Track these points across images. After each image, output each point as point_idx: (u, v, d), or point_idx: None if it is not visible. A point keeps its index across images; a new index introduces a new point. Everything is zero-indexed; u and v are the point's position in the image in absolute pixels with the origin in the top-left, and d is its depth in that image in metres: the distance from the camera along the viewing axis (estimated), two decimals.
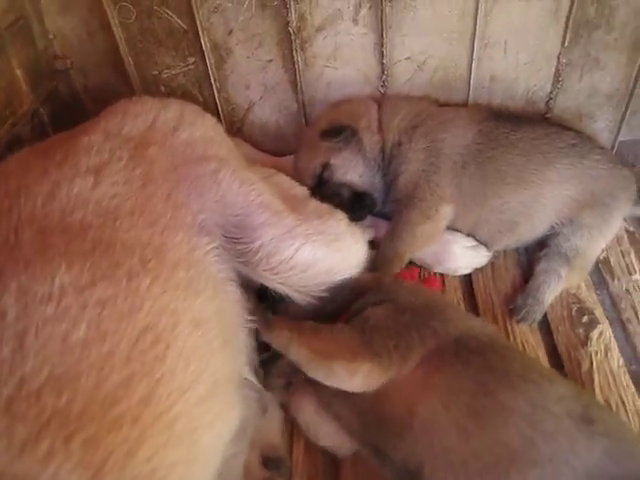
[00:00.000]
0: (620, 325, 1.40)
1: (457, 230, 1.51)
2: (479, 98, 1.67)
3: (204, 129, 1.21)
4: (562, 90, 1.65)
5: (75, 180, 0.97)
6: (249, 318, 1.14)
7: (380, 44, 1.57)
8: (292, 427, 1.23)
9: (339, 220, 1.25)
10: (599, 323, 1.37)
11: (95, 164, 1.02)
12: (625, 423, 1.08)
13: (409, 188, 1.47)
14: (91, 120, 1.17)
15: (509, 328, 1.39)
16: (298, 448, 1.20)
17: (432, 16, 1.52)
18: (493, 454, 0.91)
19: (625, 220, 1.57)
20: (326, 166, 1.51)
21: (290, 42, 1.57)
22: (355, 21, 1.54)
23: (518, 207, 1.43)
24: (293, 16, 1.51)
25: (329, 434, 1.17)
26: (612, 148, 1.73)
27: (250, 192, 1.12)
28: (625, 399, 1.22)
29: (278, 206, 1.14)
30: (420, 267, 1.54)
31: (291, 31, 1.54)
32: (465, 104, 1.67)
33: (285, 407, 1.23)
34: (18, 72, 1.45)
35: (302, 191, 1.34)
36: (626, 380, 1.26)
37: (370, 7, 1.51)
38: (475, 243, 1.51)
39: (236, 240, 1.10)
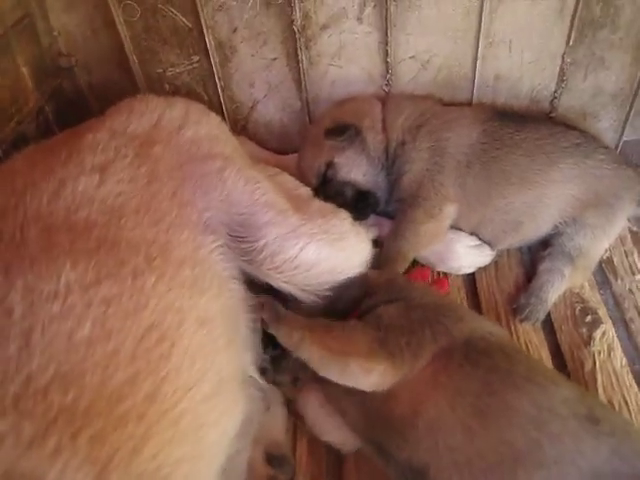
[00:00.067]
0: (623, 325, 1.40)
1: (460, 229, 1.52)
2: (483, 97, 1.67)
3: (209, 127, 1.21)
4: (566, 89, 1.65)
5: (80, 178, 0.98)
6: (255, 315, 1.15)
7: (384, 43, 1.57)
8: (295, 425, 1.24)
9: (343, 219, 1.25)
10: (602, 323, 1.38)
11: (100, 162, 1.02)
12: (630, 422, 1.08)
13: (413, 187, 1.47)
14: (96, 118, 1.17)
15: (512, 327, 1.39)
16: (301, 446, 1.21)
17: (437, 15, 1.52)
18: (498, 454, 0.91)
19: (629, 220, 1.57)
20: (330, 165, 1.51)
21: (294, 40, 1.57)
22: (360, 20, 1.54)
23: (522, 207, 1.44)
24: (298, 14, 1.51)
25: (334, 429, 1.17)
26: (616, 148, 1.73)
27: (255, 191, 1.12)
28: (628, 398, 1.22)
29: (283, 205, 1.15)
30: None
31: (296, 29, 1.54)
32: (469, 103, 1.67)
33: (291, 402, 1.24)
34: (23, 70, 1.45)
35: (306, 191, 1.34)
36: (629, 380, 1.26)
37: (375, 6, 1.51)
38: (478, 242, 1.51)
39: (241, 239, 1.11)
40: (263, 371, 1.18)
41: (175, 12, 1.52)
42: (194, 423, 0.83)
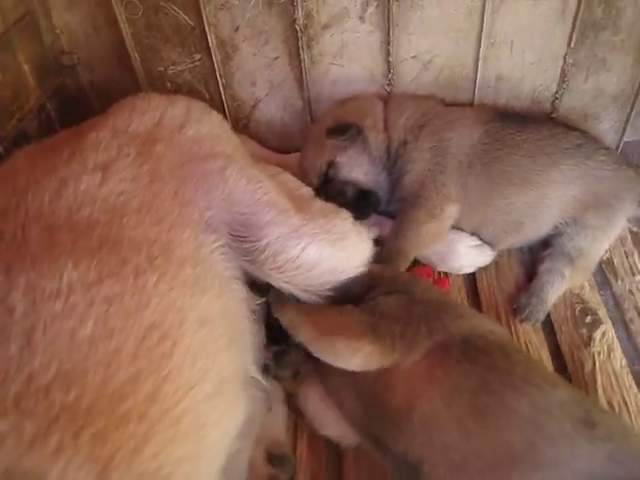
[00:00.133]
0: (623, 326, 1.40)
1: (462, 229, 1.52)
2: (485, 97, 1.67)
3: (211, 126, 1.20)
4: (568, 90, 1.65)
5: (83, 177, 0.98)
6: (258, 303, 1.17)
7: (386, 42, 1.57)
8: (296, 424, 1.24)
9: (344, 219, 1.25)
10: (602, 323, 1.38)
11: (103, 161, 1.02)
12: (628, 426, 1.08)
13: (415, 187, 1.47)
14: (98, 116, 1.17)
15: (512, 327, 1.40)
16: (302, 444, 1.21)
17: (439, 15, 1.52)
18: (495, 455, 0.92)
19: (629, 221, 1.57)
20: (332, 164, 1.51)
21: (296, 39, 1.56)
22: (362, 19, 1.54)
23: (523, 208, 1.44)
24: (300, 14, 1.51)
25: (333, 423, 1.18)
26: (617, 149, 1.74)
27: (257, 190, 1.12)
28: (628, 400, 1.23)
29: (285, 205, 1.14)
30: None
31: (298, 28, 1.54)
32: (471, 103, 1.67)
33: (292, 397, 1.25)
34: (25, 67, 1.45)
35: (307, 191, 1.34)
36: (629, 380, 1.26)
37: (377, 5, 1.51)
38: (479, 242, 1.51)
39: (242, 238, 1.10)
40: (266, 367, 1.20)
41: (177, 10, 1.52)
42: (195, 422, 0.83)
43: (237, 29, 1.56)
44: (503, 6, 1.50)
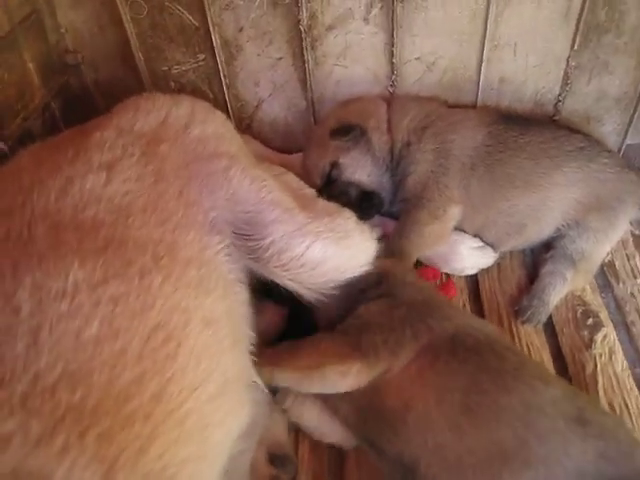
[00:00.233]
0: (624, 328, 1.40)
1: (464, 231, 1.52)
2: (488, 100, 1.67)
3: (215, 126, 1.20)
4: (570, 93, 1.65)
5: (88, 176, 0.97)
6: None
7: (390, 44, 1.57)
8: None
9: (347, 218, 1.25)
10: (604, 326, 1.39)
11: (108, 160, 1.01)
12: (621, 423, 1.08)
13: (418, 188, 1.48)
14: (103, 116, 1.17)
15: (514, 329, 1.40)
16: (304, 446, 1.21)
17: (443, 17, 1.52)
18: (487, 452, 0.92)
19: (631, 224, 1.58)
20: (335, 165, 1.51)
21: (300, 40, 1.57)
22: (366, 20, 1.54)
23: (526, 210, 1.44)
24: (304, 14, 1.52)
25: (332, 431, 1.18)
26: (619, 151, 1.74)
27: (261, 189, 1.12)
28: (629, 402, 1.23)
29: (289, 203, 1.14)
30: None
31: (302, 29, 1.54)
32: (474, 105, 1.68)
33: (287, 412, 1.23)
34: (30, 66, 1.45)
35: (310, 191, 1.34)
36: (630, 383, 1.27)
37: (381, 7, 1.51)
38: (482, 244, 1.52)
39: (247, 237, 1.10)
40: None
41: (182, 10, 1.52)
42: (199, 423, 0.83)
43: (241, 29, 1.56)
44: (507, 9, 1.50)
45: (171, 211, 1.00)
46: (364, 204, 1.50)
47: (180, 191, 1.04)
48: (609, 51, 1.57)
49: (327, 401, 1.15)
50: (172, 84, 1.68)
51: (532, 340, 1.37)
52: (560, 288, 1.42)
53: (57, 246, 0.86)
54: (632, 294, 1.47)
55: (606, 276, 1.53)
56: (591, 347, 1.34)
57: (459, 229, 1.51)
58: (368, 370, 1.04)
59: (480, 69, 1.61)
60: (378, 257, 1.26)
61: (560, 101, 1.67)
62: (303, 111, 1.73)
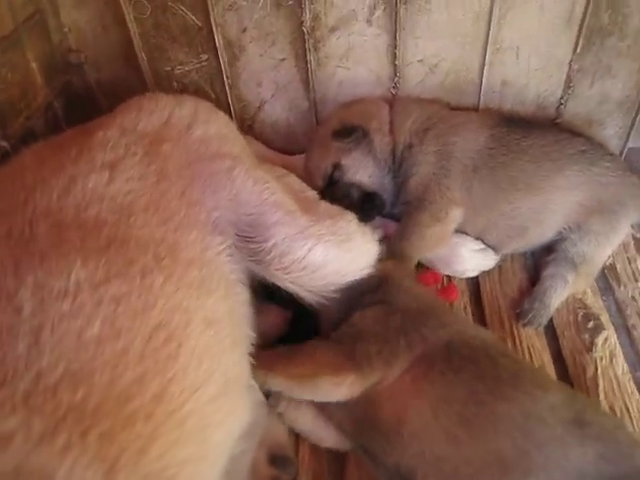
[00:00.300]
0: (625, 331, 1.40)
1: (466, 233, 1.52)
2: (490, 102, 1.67)
3: (218, 126, 1.20)
4: (573, 96, 1.65)
5: (91, 175, 0.97)
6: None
7: (393, 46, 1.57)
8: None
9: (349, 221, 1.25)
10: (604, 329, 1.38)
11: (110, 159, 1.02)
12: (621, 424, 1.08)
13: (419, 190, 1.48)
14: (106, 115, 1.17)
15: (515, 332, 1.40)
16: (304, 447, 1.21)
17: (446, 19, 1.52)
18: (485, 463, 0.92)
19: (632, 227, 1.58)
20: (337, 166, 1.51)
21: (303, 41, 1.57)
22: (369, 22, 1.54)
23: (528, 213, 1.44)
24: (307, 16, 1.52)
25: (328, 435, 1.17)
26: (621, 155, 1.74)
27: (264, 191, 1.12)
28: (630, 405, 1.23)
29: (291, 206, 1.14)
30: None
31: (305, 31, 1.54)
32: (475, 108, 1.67)
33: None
34: (33, 65, 1.46)
35: (313, 194, 1.34)
36: (631, 387, 1.27)
37: (385, 9, 1.51)
38: (483, 246, 1.51)
39: (249, 239, 1.10)
40: None
41: (185, 10, 1.52)
42: (199, 424, 0.83)
43: (244, 30, 1.56)
44: (510, 12, 1.50)
45: (173, 211, 1.00)
46: (366, 205, 1.50)
47: (182, 191, 1.04)
48: (612, 54, 1.57)
49: (322, 408, 1.15)
50: (175, 84, 1.68)
51: (533, 343, 1.37)
52: (561, 291, 1.42)
53: (59, 245, 0.86)
54: (633, 297, 1.47)
55: (607, 279, 1.53)
56: (592, 350, 1.34)
57: (461, 231, 1.51)
58: (362, 381, 1.04)
59: (482, 72, 1.61)
60: (379, 259, 1.27)
61: (562, 104, 1.67)
62: (305, 112, 1.73)
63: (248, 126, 1.76)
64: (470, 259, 1.50)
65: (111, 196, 0.96)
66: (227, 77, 1.65)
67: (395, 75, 1.63)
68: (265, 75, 1.66)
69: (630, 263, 1.55)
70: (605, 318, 1.41)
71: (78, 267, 0.83)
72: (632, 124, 1.70)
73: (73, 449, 0.67)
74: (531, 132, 1.48)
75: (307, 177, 1.48)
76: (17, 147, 1.19)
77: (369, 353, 1.05)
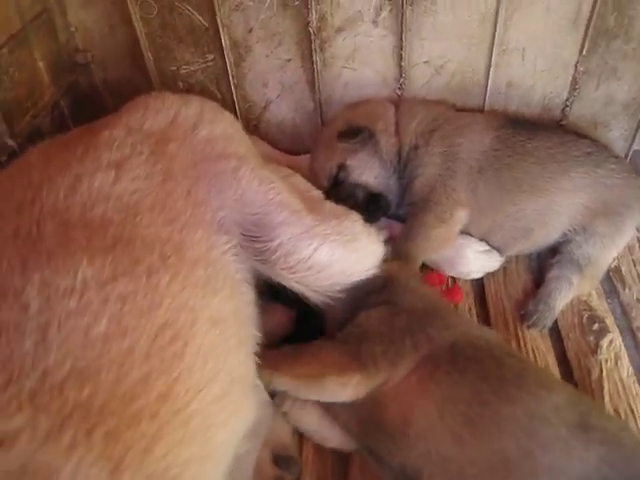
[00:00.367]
0: (630, 334, 1.40)
1: (471, 235, 1.52)
2: (495, 104, 1.67)
3: (223, 126, 1.20)
4: (578, 98, 1.65)
5: (97, 174, 0.97)
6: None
7: (399, 47, 1.58)
8: None
9: (355, 221, 1.25)
10: (609, 331, 1.38)
11: (116, 159, 1.02)
12: (626, 427, 1.08)
13: (425, 191, 1.48)
14: (112, 114, 1.17)
15: (520, 334, 1.39)
16: (308, 447, 1.21)
17: (452, 21, 1.52)
18: (490, 463, 0.92)
19: (637, 229, 1.58)
20: (342, 167, 1.51)
21: (309, 42, 1.57)
22: (375, 23, 1.54)
23: (533, 214, 1.44)
24: (314, 16, 1.52)
25: (333, 435, 1.17)
26: (626, 157, 1.74)
27: (269, 190, 1.12)
28: (634, 408, 1.23)
29: (297, 206, 1.15)
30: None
31: (311, 31, 1.54)
32: (481, 109, 1.67)
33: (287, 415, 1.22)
34: (40, 64, 1.46)
35: (318, 194, 1.34)
36: (635, 389, 1.26)
37: (391, 10, 1.52)
38: (488, 248, 1.51)
39: (255, 238, 1.11)
40: None
41: (192, 10, 1.53)
42: (203, 424, 0.83)
43: (251, 30, 1.57)
44: (516, 13, 1.50)
45: (179, 210, 1.00)
46: (371, 206, 1.50)
47: (188, 190, 1.04)
48: (618, 57, 1.57)
49: (328, 408, 1.14)
50: (180, 84, 1.68)
51: (538, 345, 1.37)
52: (566, 293, 1.42)
53: (66, 243, 0.86)
54: (638, 300, 1.47)
55: (612, 282, 1.53)
56: (597, 352, 1.34)
57: (466, 233, 1.51)
58: (367, 381, 1.04)
59: (488, 73, 1.61)
60: (384, 260, 1.27)
61: (568, 106, 1.66)
62: (311, 113, 1.74)
63: (254, 126, 1.76)
64: (475, 260, 1.50)
65: (117, 195, 0.96)
66: (233, 77, 1.65)
67: (401, 76, 1.63)
68: (271, 75, 1.67)
69: (635, 265, 1.55)
70: (610, 320, 1.41)
71: (84, 266, 0.83)
72: (637, 126, 1.70)
73: (79, 447, 0.68)
74: (536, 134, 1.47)
75: (312, 177, 1.48)
76: (24, 145, 1.19)
77: (375, 353, 1.05)
